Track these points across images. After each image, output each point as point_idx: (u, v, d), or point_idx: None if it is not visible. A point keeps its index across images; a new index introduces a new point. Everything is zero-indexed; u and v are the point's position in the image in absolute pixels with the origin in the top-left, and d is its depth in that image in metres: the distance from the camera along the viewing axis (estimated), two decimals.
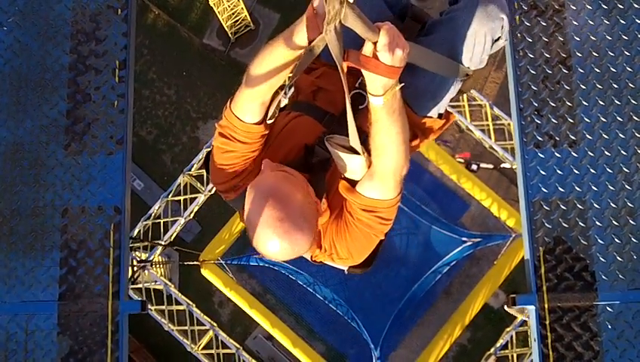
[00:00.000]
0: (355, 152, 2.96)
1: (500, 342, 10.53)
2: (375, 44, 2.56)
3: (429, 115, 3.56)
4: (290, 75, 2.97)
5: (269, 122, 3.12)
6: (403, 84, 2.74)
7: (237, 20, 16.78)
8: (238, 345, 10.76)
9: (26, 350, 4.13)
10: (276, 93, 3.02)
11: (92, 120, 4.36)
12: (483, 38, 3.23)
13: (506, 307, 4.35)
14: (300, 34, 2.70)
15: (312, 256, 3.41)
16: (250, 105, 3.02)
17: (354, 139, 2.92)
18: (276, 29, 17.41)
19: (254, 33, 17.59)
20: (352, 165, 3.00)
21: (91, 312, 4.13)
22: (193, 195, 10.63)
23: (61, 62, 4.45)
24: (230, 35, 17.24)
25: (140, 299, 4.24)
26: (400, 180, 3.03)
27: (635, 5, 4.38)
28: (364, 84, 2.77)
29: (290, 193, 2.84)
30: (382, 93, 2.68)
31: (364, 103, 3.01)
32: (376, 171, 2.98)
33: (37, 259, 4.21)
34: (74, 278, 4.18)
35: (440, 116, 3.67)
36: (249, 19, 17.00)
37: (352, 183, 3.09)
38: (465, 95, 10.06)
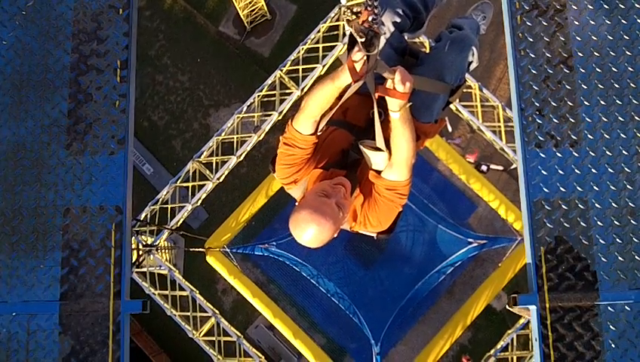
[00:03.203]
0: (380, 150, 4.20)
1: (501, 344, 10.44)
2: (393, 80, 3.85)
3: (427, 121, 4.74)
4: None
5: (318, 134, 4.28)
6: (411, 103, 3.99)
7: (254, 10, 16.68)
8: (239, 334, 10.66)
9: (28, 349, 4.14)
10: (325, 114, 4.19)
11: (94, 120, 4.37)
12: (460, 64, 4.61)
13: (507, 306, 4.36)
14: (344, 77, 3.87)
15: (350, 227, 4.56)
16: (306, 122, 4.21)
17: (380, 141, 4.16)
18: (293, 19, 17.34)
19: (270, 23, 17.48)
20: (378, 159, 4.26)
21: (93, 312, 4.14)
22: (202, 182, 10.56)
23: (63, 61, 4.46)
24: (246, 24, 17.12)
25: (141, 299, 4.24)
26: (411, 167, 4.24)
27: (637, 5, 4.38)
28: (384, 105, 4.02)
29: (326, 215, 3.99)
30: (398, 109, 3.96)
31: (382, 117, 4.12)
32: (394, 161, 4.20)
33: (38, 258, 4.22)
34: (75, 278, 4.19)
35: (435, 121, 4.88)
36: (266, 8, 16.89)
37: (378, 172, 4.31)
38: (478, 96, 10.20)
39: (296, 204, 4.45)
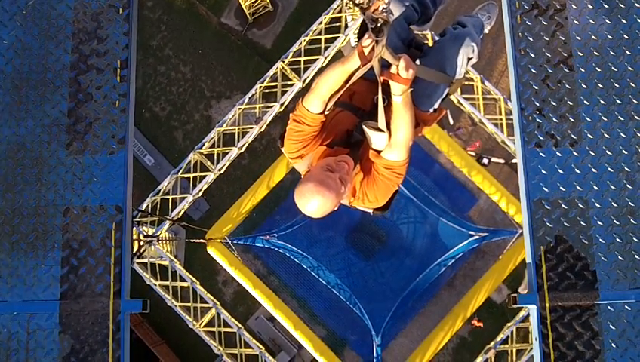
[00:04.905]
0: (381, 131, 4.50)
1: (501, 336, 10.44)
2: (397, 66, 4.20)
3: (426, 110, 5.12)
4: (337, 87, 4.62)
5: (326, 113, 4.62)
6: (412, 88, 4.34)
7: (256, 1, 16.64)
8: (239, 325, 10.65)
9: (28, 349, 4.15)
10: (333, 95, 4.54)
11: (94, 119, 4.38)
12: (461, 59, 4.93)
13: (507, 306, 4.38)
14: (353, 61, 4.29)
15: (349, 202, 4.87)
16: (316, 102, 4.55)
17: (381, 122, 4.48)
18: (295, 11, 17.25)
19: (272, 15, 17.37)
20: (379, 140, 4.57)
21: (93, 311, 4.15)
22: (203, 173, 10.55)
23: (63, 61, 4.46)
24: (248, 16, 17.03)
25: (141, 298, 4.26)
26: (408, 148, 4.58)
27: (637, 4, 4.38)
28: (388, 91, 4.35)
29: (330, 188, 4.29)
30: (400, 94, 4.30)
31: (385, 102, 4.42)
32: (394, 142, 4.53)
33: (38, 258, 4.23)
34: (75, 277, 4.20)
35: (435, 111, 5.24)
36: (268, 0, 16.92)
37: (378, 152, 4.63)
38: (480, 88, 10.19)
39: (302, 177, 4.77)
